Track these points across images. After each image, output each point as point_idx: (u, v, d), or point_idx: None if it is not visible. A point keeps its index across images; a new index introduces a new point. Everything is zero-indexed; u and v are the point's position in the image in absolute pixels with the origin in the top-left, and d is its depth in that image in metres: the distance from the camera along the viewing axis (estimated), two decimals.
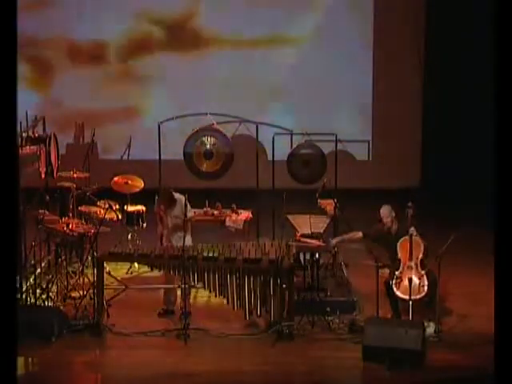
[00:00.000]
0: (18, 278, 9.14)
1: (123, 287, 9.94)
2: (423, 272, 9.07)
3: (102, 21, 15.02)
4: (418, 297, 8.98)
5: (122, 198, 11.68)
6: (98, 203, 11.40)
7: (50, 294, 9.78)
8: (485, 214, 8.72)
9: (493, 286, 6.58)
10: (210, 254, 9.26)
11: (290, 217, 10.72)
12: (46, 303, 9.69)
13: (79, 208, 11.25)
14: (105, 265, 9.59)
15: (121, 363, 8.62)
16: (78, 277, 10.36)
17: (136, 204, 11.76)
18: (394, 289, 9.08)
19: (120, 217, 11.08)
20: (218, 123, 12.31)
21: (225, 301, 9.23)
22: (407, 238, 9.16)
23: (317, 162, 12.20)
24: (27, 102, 12.43)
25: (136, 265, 11.06)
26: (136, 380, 8.26)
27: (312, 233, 10.11)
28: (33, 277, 9.90)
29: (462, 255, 10.97)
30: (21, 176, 8.30)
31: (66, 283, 10.21)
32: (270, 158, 12.55)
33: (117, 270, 10.80)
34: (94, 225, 10.57)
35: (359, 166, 14.90)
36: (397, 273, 9.13)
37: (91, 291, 9.53)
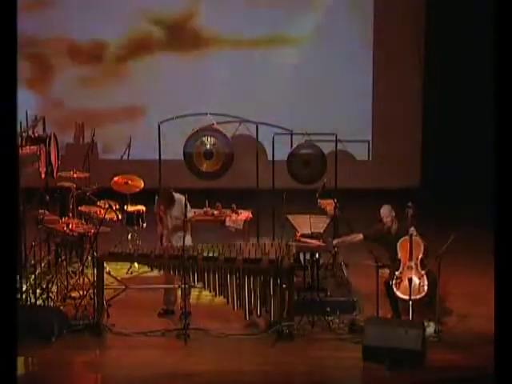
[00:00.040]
0: (18, 277, 9.13)
1: (123, 287, 9.93)
2: (423, 272, 9.07)
3: (102, 21, 15.01)
4: (418, 297, 8.98)
5: (122, 198, 11.68)
6: (98, 203, 11.40)
7: (50, 294, 9.78)
8: (485, 214, 8.72)
9: (493, 286, 6.58)
10: (210, 254, 9.26)
11: (289, 217, 10.71)
12: (46, 303, 9.69)
13: (79, 208, 11.25)
14: (105, 265, 9.59)
15: (121, 363, 8.63)
16: (77, 277, 10.36)
17: (136, 204, 11.76)
18: (394, 289, 9.08)
19: (120, 217, 11.07)
20: (218, 123, 12.31)
21: (225, 301, 9.23)
22: (407, 238, 9.16)
23: (317, 161, 12.20)
24: (27, 102, 12.48)
25: (136, 265, 11.06)
26: (136, 380, 8.26)
27: (312, 233, 10.11)
28: (33, 277, 9.90)
29: (462, 255, 10.97)
30: (21, 176, 8.30)
31: (66, 283, 10.21)
32: (270, 158, 12.54)
33: (117, 270, 10.80)
34: (94, 225, 10.57)
35: (359, 166, 14.90)
36: (397, 273, 9.13)
37: (91, 291, 9.53)
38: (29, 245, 9.88)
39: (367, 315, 9.23)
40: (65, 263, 10.37)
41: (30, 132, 10.28)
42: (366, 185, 14.76)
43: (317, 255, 10.03)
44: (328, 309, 9.50)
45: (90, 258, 10.04)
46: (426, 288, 9.01)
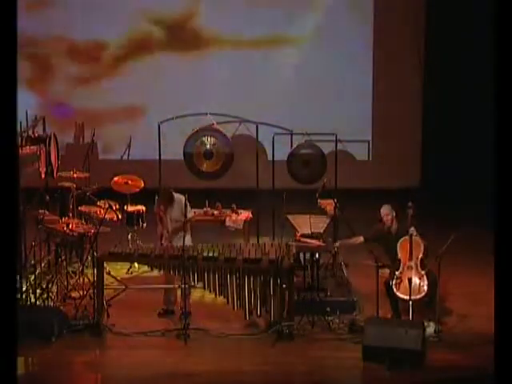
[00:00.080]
0: (18, 277, 9.13)
1: (123, 287, 9.93)
2: (423, 272, 9.07)
3: (103, 21, 15.01)
4: (418, 297, 8.98)
5: (122, 198, 11.68)
6: (98, 203, 11.40)
7: (50, 294, 9.78)
8: (485, 214, 8.73)
9: (493, 286, 6.58)
10: (210, 254, 9.26)
11: (289, 217, 10.72)
12: (46, 303, 9.69)
13: (79, 208, 11.26)
14: (105, 265, 9.59)
15: (121, 363, 8.62)
16: (77, 277, 10.36)
17: (136, 204, 11.76)
18: (394, 289, 9.08)
19: (120, 217, 11.07)
20: (218, 123, 12.32)
21: (225, 301, 9.23)
22: (407, 238, 9.16)
23: (317, 161, 12.21)
24: (27, 102, 12.48)
25: (136, 265, 11.06)
26: (136, 380, 8.25)
27: (312, 233, 10.12)
28: (33, 277, 9.90)
29: (462, 255, 10.97)
30: (21, 176, 8.31)
31: (66, 283, 10.21)
32: (270, 158, 12.55)
33: (117, 270, 10.80)
34: (94, 225, 10.57)
35: (359, 166, 14.90)
36: (397, 273, 9.13)
37: (91, 291, 9.53)
38: (29, 245, 9.88)
39: (367, 315, 9.23)
40: (65, 263, 10.36)
41: (30, 132, 10.28)
42: (366, 185, 14.76)
43: (317, 255, 10.03)
44: (328, 309, 9.50)
45: (89, 258, 10.04)
46: (425, 288, 9.01)
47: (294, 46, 15.23)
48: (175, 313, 9.69)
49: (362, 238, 9.69)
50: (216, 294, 9.24)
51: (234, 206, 11.50)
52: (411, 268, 9.10)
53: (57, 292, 9.97)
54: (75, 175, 11.46)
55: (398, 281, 9.08)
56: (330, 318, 9.42)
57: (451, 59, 14.77)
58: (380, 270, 9.13)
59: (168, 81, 15.08)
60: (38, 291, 9.81)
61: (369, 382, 8.50)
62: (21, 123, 9.75)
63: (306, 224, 10.23)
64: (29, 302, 9.64)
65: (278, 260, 9.04)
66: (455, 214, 13.37)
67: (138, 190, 11.78)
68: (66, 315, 9.35)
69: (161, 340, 9.10)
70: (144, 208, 11.64)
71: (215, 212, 11.43)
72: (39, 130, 10.59)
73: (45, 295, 9.74)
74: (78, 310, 9.49)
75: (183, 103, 14.02)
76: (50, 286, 9.87)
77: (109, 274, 10.17)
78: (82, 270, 10.34)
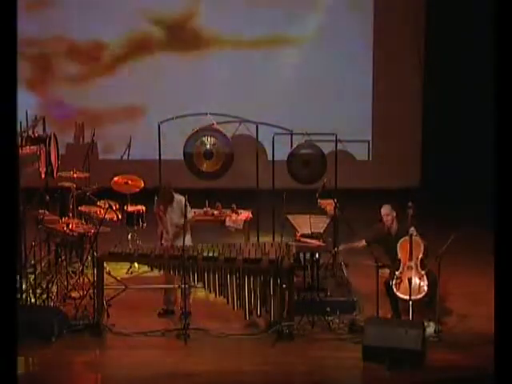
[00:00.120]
0: (18, 277, 9.13)
1: (123, 287, 9.94)
2: (423, 272, 9.06)
3: (102, 21, 15.02)
4: (418, 297, 8.98)
5: (122, 198, 11.68)
6: (98, 203, 11.40)
7: (50, 294, 9.78)
8: (485, 214, 8.72)
9: (493, 286, 6.58)
10: (210, 254, 9.26)
11: (289, 217, 10.71)
12: (46, 303, 9.69)
13: (79, 208, 11.25)
14: (105, 265, 9.59)
15: (121, 363, 8.63)
16: (77, 277, 10.36)
17: (136, 204, 11.76)
18: (394, 289, 9.08)
19: (120, 217, 11.07)
20: (218, 123, 12.31)
21: (225, 301, 9.23)
22: (407, 238, 9.16)
23: (317, 161, 12.20)
24: (27, 102, 12.48)
25: (136, 265, 11.06)
26: (136, 380, 8.26)
27: (312, 233, 10.12)
28: (33, 277, 9.90)
29: (462, 255, 10.97)
30: (21, 176, 8.30)
31: (66, 283, 10.21)
32: (270, 158, 12.54)
33: (117, 270, 10.79)
34: (94, 225, 10.57)
35: (359, 165, 14.90)
36: (397, 273, 9.13)
37: (91, 291, 9.53)
38: (29, 245, 9.88)
39: (367, 315, 9.23)
40: (65, 263, 10.37)
41: (30, 132, 10.28)
42: (366, 185, 14.76)
43: (317, 255, 10.03)
44: (328, 309, 9.50)
45: (89, 258, 10.04)
46: (426, 288, 9.01)
47: (294, 46, 15.24)
48: (175, 313, 9.69)
49: (364, 242, 9.69)
50: (216, 294, 9.23)
51: (234, 205, 11.50)
52: (411, 268, 9.10)
53: (57, 292, 9.97)
54: (75, 175, 11.46)
55: (398, 281, 9.08)
56: (329, 318, 9.42)
57: (451, 59, 14.78)
58: (380, 270, 9.13)
59: (168, 81, 15.08)
60: (38, 291, 9.81)
61: (369, 382, 8.50)
62: (21, 123, 9.75)
63: (306, 224, 10.23)
64: (29, 302, 9.64)
65: (278, 260, 9.04)
66: (455, 214, 13.37)
67: (137, 190, 11.78)
68: (66, 315, 9.35)
69: (161, 340, 9.10)
70: (144, 208, 11.64)
71: (215, 212, 11.43)
72: (39, 130, 10.59)
73: (45, 295, 9.74)
74: (78, 309, 9.49)
75: (183, 103, 14.01)
76: (49, 286, 9.87)
77: (109, 274, 10.17)
78: (82, 269, 10.34)
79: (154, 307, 9.81)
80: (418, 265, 9.11)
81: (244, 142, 13.31)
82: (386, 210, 9.56)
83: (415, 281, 9.01)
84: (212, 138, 12.31)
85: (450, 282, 10.25)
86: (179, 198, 9.76)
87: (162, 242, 9.96)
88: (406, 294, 8.98)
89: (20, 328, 6.40)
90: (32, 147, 10.16)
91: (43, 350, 8.77)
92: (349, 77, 15.02)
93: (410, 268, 9.11)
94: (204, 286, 9.26)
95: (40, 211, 10.37)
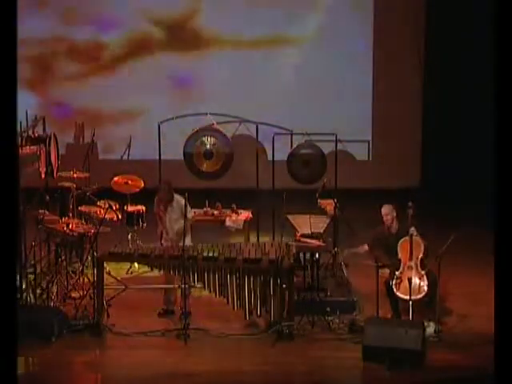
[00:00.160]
0: (18, 277, 9.13)
1: (123, 287, 9.94)
2: (423, 272, 9.06)
3: (102, 21, 15.02)
4: (418, 297, 8.98)
5: (122, 198, 11.68)
6: (98, 203, 11.40)
7: (50, 294, 9.77)
8: (485, 214, 8.72)
9: (493, 286, 6.58)
10: (210, 254, 9.26)
11: (289, 217, 10.71)
12: (46, 303, 9.69)
13: (79, 208, 11.25)
14: (105, 265, 9.58)
15: (121, 363, 8.62)
16: (77, 277, 10.35)
17: (136, 204, 11.76)
18: (394, 289, 9.08)
19: (120, 217, 11.07)
20: (218, 123, 12.31)
21: (225, 301, 9.23)
22: (407, 238, 9.16)
23: (317, 161, 12.20)
24: (27, 102, 12.48)
25: (136, 265, 11.06)
26: (136, 380, 8.25)
27: (312, 233, 10.12)
28: (33, 277, 9.89)
29: (462, 255, 10.97)
30: (21, 176, 8.30)
31: (66, 283, 10.21)
32: (270, 158, 12.55)
33: (117, 270, 10.79)
34: (94, 225, 10.57)
35: (359, 166, 14.91)
36: (397, 273, 9.13)
37: (91, 291, 9.53)
38: (29, 245, 9.87)
39: (367, 315, 9.22)
40: (65, 263, 10.36)
41: (30, 132, 10.27)
42: (366, 185, 14.76)
43: (317, 255, 10.03)
44: (328, 309, 9.49)
45: (89, 258, 10.04)
46: (426, 288, 9.01)
47: (294, 46, 15.24)
48: (175, 313, 9.68)
49: (366, 247, 9.69)
50: (216, 294, 9.23)
51: (234, 205, 11.50)
52: (411, 268, 9.10)
53: (57, 292, 9.97)
54: (75, 175, 11.45)
55: (398, 281, 9.08)
56: (329, 318, 9.41)
57: (451, 59, 14.78)
58: (380, 270, 9.13)
59: (168, 81, 15.08)
60: (38, 291, 9.81)
61: (369, 382, 8.50)
62: (21, 123, 9.74)
63: (306, 224, 10.23)
64: (29, 302, 9.64)
65: (278, 260, 9.04)
66: (455, 214, 13.37)
67: (138, 190, 11.78)
68: (66, 315, 9.35)
69: (161, 340, 9.10)
70: (144, 208, 11.63)
71: (215, 212, 11.43)
72: (39, 130, 10.59)
73: (45, 295, 9.74)
74: (78, 309, 9.49)
75: (183, 103, 14.01)
76: (49, 286, 9.87)
77: (109, 274, 10.17)
78: (82, 269, 10.33)
79: (154, 307, 9.80)
80: (418, 265, 9.11)
81: (244, 142, 13.31)
82: (386, 209, 9.56)
83: (415, 281, 9.01)
84: (212, 138, 12.31)
85: (450, 282, 10.25)
86: (179, 199, 9.76)
87: (162, 241, 9.97)
88: (406, 294, 8.98)
89: (20, 328, 6.40)
90: (32, 147, 10.15)
91: (43, 350, 8.76)
92: (349, 77, 15.03)
93: (410, 268, 9.11)
94: (204, 286, 9.25)
95: (40, 211, 10.37)
